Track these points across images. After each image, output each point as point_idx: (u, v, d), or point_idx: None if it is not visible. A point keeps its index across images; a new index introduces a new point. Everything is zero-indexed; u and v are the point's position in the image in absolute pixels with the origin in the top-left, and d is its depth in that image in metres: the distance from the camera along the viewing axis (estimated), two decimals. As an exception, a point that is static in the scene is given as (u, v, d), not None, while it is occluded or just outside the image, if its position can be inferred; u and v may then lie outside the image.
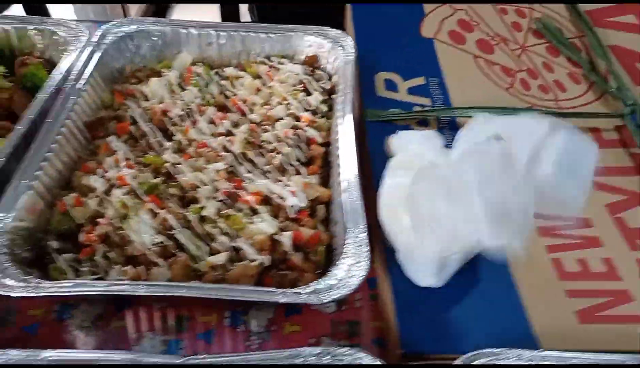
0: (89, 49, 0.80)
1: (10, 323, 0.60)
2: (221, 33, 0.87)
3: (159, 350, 0.59)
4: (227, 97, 0.82)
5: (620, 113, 0.78)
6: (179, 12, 2.31)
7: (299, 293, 0.53)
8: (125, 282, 0.55)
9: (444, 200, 0.58)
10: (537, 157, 0.60)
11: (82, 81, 0.75)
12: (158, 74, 0.84)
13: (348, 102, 0.74)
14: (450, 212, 0.58)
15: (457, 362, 0.46)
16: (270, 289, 0.54)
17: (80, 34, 0.83)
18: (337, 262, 0.57)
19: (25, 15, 0.87)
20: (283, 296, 0.53)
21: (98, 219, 0.63)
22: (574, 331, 0.54)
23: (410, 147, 0.68)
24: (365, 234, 0.58)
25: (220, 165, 0.69)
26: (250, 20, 1.56)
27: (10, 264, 0.54)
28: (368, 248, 0.57)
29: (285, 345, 0.60)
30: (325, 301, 0.52)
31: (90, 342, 0.59)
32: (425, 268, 0.59)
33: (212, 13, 2.34)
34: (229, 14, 1.63)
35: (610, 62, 0.86)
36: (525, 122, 0.66)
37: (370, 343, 0.60)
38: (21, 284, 0.53)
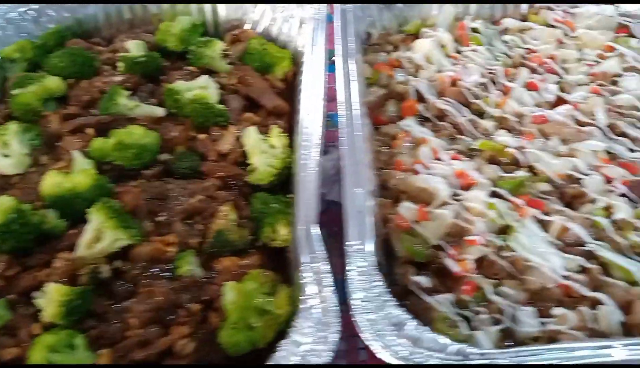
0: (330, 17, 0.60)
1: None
2: (486, -25, 0.65)
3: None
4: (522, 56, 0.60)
5: None
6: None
7: None
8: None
9: None
10: None
11: (349, 54, 0.55)
12: (415, 36, 0.64)
13: None
14: None
15: None
16: None
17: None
18: None
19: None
20: None
21: (465, 238, 0.42)
22: None
23: None
24: None
25: (594, 144, 0.48)
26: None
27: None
28: None
29: None
30: None
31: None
32: None
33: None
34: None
35: None
36: None
37: None
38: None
